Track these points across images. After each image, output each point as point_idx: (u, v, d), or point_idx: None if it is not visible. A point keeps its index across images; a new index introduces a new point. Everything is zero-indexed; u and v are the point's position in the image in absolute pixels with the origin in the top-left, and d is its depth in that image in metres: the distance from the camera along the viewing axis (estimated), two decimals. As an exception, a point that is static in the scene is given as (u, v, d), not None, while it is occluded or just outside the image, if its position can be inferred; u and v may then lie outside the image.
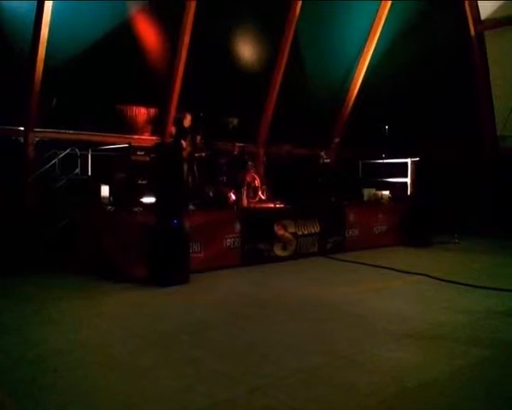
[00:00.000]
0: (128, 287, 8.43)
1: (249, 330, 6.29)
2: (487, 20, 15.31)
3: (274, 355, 5.36)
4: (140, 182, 10.28)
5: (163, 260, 8.62)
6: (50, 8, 10.22)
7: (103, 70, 11.54)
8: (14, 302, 7.54)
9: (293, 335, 6.07)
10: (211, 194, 11.21)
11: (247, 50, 13.95)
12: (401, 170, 14.67)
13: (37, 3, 10.18)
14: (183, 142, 10.77)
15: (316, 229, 11.75)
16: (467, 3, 15.23)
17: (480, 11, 15.34)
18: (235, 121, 14.43)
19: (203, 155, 11.63)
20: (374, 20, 15.47)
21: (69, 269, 9.69)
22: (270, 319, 6.78)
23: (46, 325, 6.48)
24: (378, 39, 15.66)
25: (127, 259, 8.96)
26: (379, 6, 15.26)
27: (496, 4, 14.90)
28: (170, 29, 12.23)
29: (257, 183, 12.58)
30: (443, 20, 15.34)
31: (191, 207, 10.22)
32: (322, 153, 13.74)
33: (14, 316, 6.84)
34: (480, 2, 15.27)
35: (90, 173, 11.28)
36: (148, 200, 9.84)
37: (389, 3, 15.12)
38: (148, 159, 10.39)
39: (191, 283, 8.76)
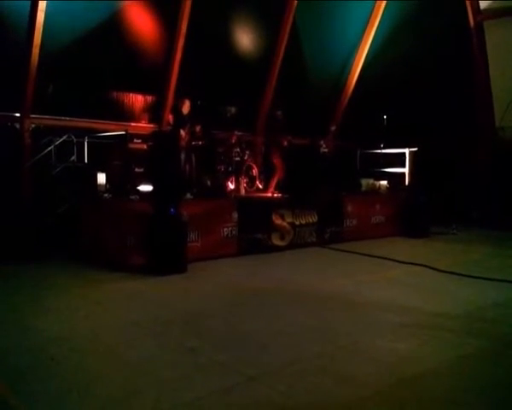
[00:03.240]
0: (125, 276, 8.40)
1: (247, 320, 6.26)
2: (486, 9, 15.22)
3: (271, 345, 5.33)
4: (137, 170, 10.24)
5: (160, 249, 8.59)
6: (46, -7, 10.12)
7: (100, 57, 11.47)
8: (10, 291, 7.51)
9: (291, 325, 6.05)
10: (208, 183, 11.17)
11: (245, 38, 13.87)
12: (399, 160, 14.63)
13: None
14: (181, 131, 10.69)
15: (313, 219, 11.72)
16: (466, -7, 15.16)
17: (479, 1, 15.25)
18: (233, 110, 14.36)
19: (200, 143, 11.58)
20: (372, 10, 15.38)
21: (65, 257, 9.66)
22: (267, 309, 6.75)
23: (42, 313, 6.44)
24: (376, 29, 15.59)
25: (124, 247, 8.93)
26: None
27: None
28: (167, 16, 12.14)
29: (254, 172, 12.55)
30: (442, 10, 15.25)
31: (189, 195, 10.19)
32: (322, 142, 13.69)
33: (10, 304, 6.81)
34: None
35: (86, 161, 11.20)
36: (145, 188, 9.80)
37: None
38: (145, 147, 10.33)
39: (188, 272, 8.72)
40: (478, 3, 15.31)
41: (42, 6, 10.19)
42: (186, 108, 11.15)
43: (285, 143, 12.27)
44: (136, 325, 5.99)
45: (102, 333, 5.73)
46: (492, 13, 15.11)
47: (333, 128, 15.81)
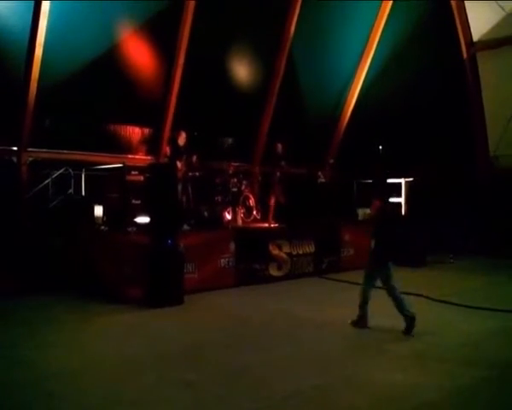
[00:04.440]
0: (121, 308, 8.35)
1: (244, 352, 6.23)
2: (479, 42, 15.48)
3: (270, 377, 5.29)
4: (134, 202, 10.24)
5: (157, 281, 8.55)
6: (45, 28, 10.23)
7: (97, 90, 11.54)
8: (7, 324, 7.46)
9: (289, 356, 6.02)
10: (205, 214, 11.17)
11: (242, 70, 14.01)
12: (395, 190, 14.70)
13: (32, 23, 10.20)
14: (178, 162, 10.74)
15: (311, 249, 11.72)
16: (459, 26, 15.40)
17: (472, 33, 15.51)
18: (230, 141, 14.44)
19: (197, 174, 11.62)
20: (367, 42, 15.60)
21: (63, 289, 9.60)
22: (265, 340, 6.71)
23: (40, 347, 6.39)
24: (371, 61, 15.78)
25: (121, 279, 8.89)
26: (372, 28, 15.39)
27: (487, 26, 15.07)
28: (165, 49, 12.27)
29: (252, 202, 12.56)
30: (435, 43, 15.50)
31: (186, 227, 10.18)
32: (320, 173, 13.76)
33: (7, 338, 6.76)
34: (472, 25, 15.44)
35: (83, 193, 11.21)
36: (143, 220, 9.79)
37: (382, 25, 15.25)
38: (142, 179, 10.35)
39: (185, 303, 8.68)
40: (471, 36, 15.57)
41: (40, 40, 10.30)
42: (182, 139, 11.23)
43: (277, 174, 12.35)
44: (134, 359, 5.94)
45: (100, 368, 5.68)
46: (485, 45, 15.35)
47: (331, 161, 15.92)
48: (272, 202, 12.28)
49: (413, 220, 13.51)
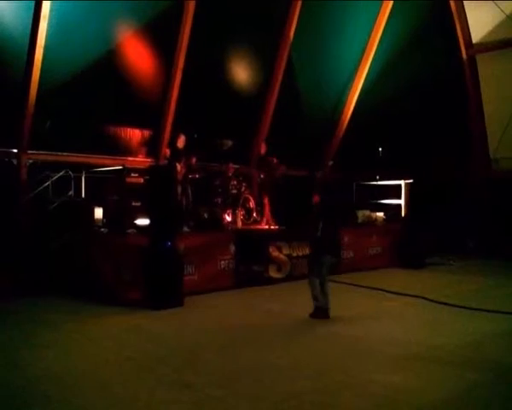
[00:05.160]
0: (121, 310, 8.36)
1: (243, 354, 6.24)
2: (479, 43, 15.50)
3: (268, 380, 5.30)
4: (134, 204, 10.26)
5: (156, 283, 8.56)
6: (45, 31, 10.25)
7: (97, 92, 11.55)
8: (5, 326, 7.46)
9: (287, 358, 6.02)
10: (205, 215, 11.19)
11: (241, 72, 14.03)
12: (395, 192, 14.73)
13: (32, 26, 10.22)
14: (177, 164, 10.77)
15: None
16: (458, 28, 15.43)
17: (472, 35, 15.54)
18: (230, 143, 14.46)
19: (197, 176, 11.65)
20: (367, 43, 15.61)
21: (62, 292, 9.61)
22: (263, 343, 6.72)
23: (38, 349, 6.40)
24: (371, 63, 15.78)
25: (120, 282, 8.90)
26: (372, 30, 15.41)
27: (487, 28, 15.09)
28: (165, 51, 12.28)
29: (251, 204, 12.57)
30: (435, 44, 15.53)
31: (185, 228, 10.20)
32: (319, 175, 13.79)
33: (4, 340, 6.76)
34: (471, 27, 15.46)
35: (83, 196, 11.22)
36: (142, 222, 9.81)
37: (382, 28, 15.26)
38: (142, 181, 10.37)
39: (185, 306, 8.69)
40: (470, 37, 15.60)
41: (40, 42, 10.32)
42: (181, 142, 11.29)
43: (261, 175, 12.46)
44: (132, 361, 5.95)
45: (98, 370, 5.69)
46: (485, 46, 15.38)
47: (330, 163, 15.95)
48: (265, 202, 12.33)
49: (412, 222, 13.53)
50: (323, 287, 7.84)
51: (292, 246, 11.39)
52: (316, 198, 8.38)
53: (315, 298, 7.82)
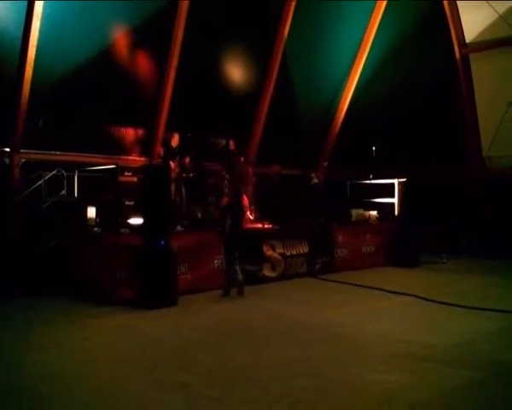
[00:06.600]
0: (115, 310, 8.33)
1: (237, 353, 6.22)
2: (472, 43, 15.54)
3: (263, 379, 5.28)
4: (127, 203, 10.21)
5: (150, 282, 8.53)
6: (38, 29, 10.19)
7: (91, 91, 11.49)
8: (-2, 326, 7.43)
9: (282, 358, 6.00)
10: (199, 215, 11.16)
11: (235, 71, 14.00)
12: (388, 191, 14.75)
13: (25, 24, 10.15)
14: (171, 163, 10.73)
15: (304, 249, 11.73)
16: (452, 27, 15.45)
17: (465, 34, 15.58)
18: (224, 142, 14.42)
19: (191, 175, 11.61)
20: (360, 43, 15.61)
21: (55, 292, 9.56)
22: (258, 342, 6.70)
23: (32, 350, 6.36)
24: (365, 63, 15.79)
25: (114, 281, 8.87)
26: (365, 30, 15.41)
27: (480, 27, 15.13)
28: (158, 50, 12.24)
29: (245, 203, 12.53)
30: (428, 44, 15.55)
31: (179, 228, 10.16)
32: (313, 174, 13.78)
33: (-2, 341, 6.73)
34: (464, 26, 15.50)
35: (76, 195, 11.16)
36: (136, 221, 9.78)
37: (376, 27, 15.28)
38: (135, 180, 10.32)
39: (179, 305, 8.67)
40: (463, 37, 15.64)
41: (33, 41, 10.25)
42: (175, 141, 11.25)
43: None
44: (126, 361, 5.92)
45: (92, 370, 5.66)
46: (478, 46, 15.42)
47: (325, 164, 15.97)
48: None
49: (405, 220, 13.55)
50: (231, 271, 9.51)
51: (286, 245, 11.38)
52: (225, 200, 10.44)
53: (228, 281, 9.58)
